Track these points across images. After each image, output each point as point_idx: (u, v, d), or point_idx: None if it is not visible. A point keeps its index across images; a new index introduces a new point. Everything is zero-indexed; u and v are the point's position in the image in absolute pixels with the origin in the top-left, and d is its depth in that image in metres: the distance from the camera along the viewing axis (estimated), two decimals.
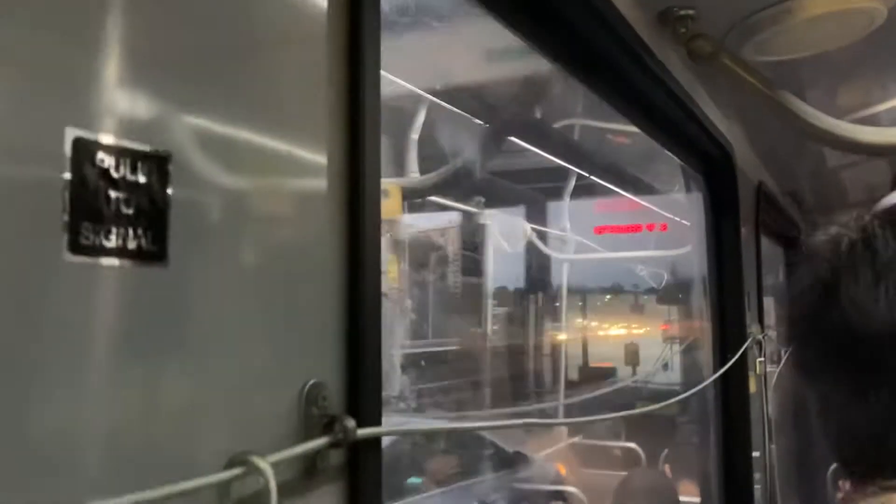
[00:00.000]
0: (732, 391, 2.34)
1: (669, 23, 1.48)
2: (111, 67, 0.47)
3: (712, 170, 2.27)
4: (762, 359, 2.58)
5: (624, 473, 3.97)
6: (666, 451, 5.05)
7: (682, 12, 1.46)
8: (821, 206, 4.11)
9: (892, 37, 1.68)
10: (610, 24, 1.28)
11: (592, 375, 9.62)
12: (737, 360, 2.19)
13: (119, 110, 0.47)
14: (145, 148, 0.48)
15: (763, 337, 2.58)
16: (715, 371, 2.27)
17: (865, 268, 0.64)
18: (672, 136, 1.99)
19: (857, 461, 0.67)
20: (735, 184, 2.29)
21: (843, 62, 1.88)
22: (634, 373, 8.93)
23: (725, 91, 1.90)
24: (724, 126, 2.16)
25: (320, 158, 0.64)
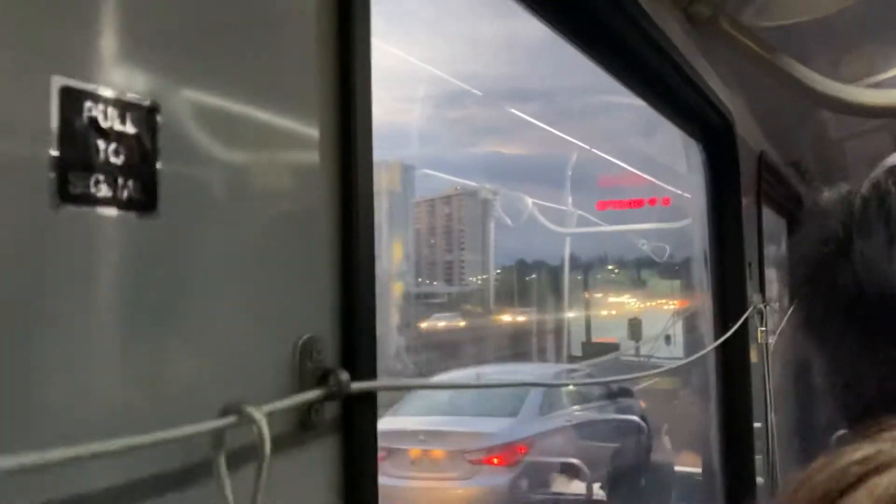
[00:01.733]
0: (733, 361, 2.35)
1: None
2: (100, 18, 0.47)
3: (713, 139, 2.25)
4: (764, 329, 2.58)
5: None
6: (666, 424, 5.08)
7: None
8: (823, 176, 4.09)
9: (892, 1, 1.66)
10: None
11: (595, 350, 9.66)
12: (738, 330, 2.19)
13: (108, 62, 0.47)
14: (133, 99, 0.48)
15: (765, 307, 2.58)
16: (715, 340, 2.27)
17: (879, 225, 0.64)
18: (672, 105, 1.98)
19: (864, 416, 0.67)
20: (736, 153, 2.28)
21: (845, 29, 1.86)
22: (638, 347, 8.96)
23: (726, 59, 1.89)
24: (725, 95, 2.15)
25: (312, 128, 0.64)
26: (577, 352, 9.23)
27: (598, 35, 1.45)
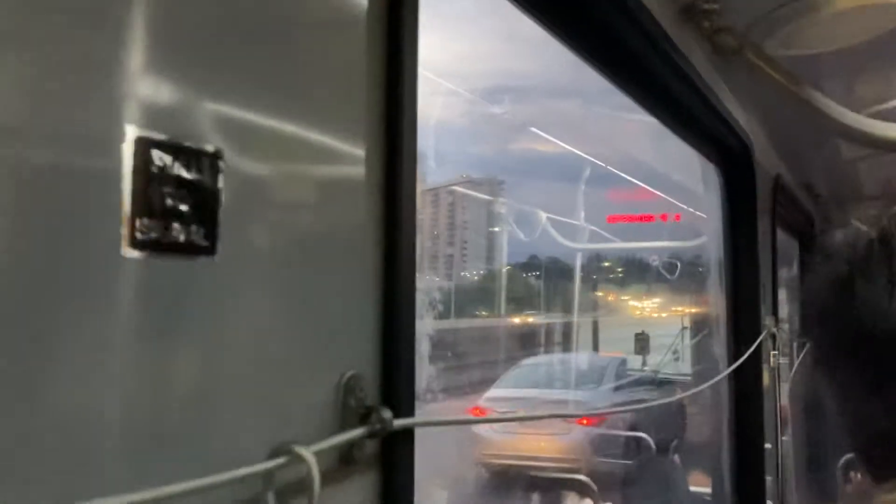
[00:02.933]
0: (746, 383, 2.35)
1: (694, 17, 1.48)
2: (163, 65, 0.48)
3: (731, 162, 2.26)
4: (776, 352, 2.58)
5: None
6: (675, 441, 5.08)
7: (707, 6, 1.46)
8: (836, 198, 4.09)
9: None
10: (635, 16, 1.28)
11: None
12: (751, 353, 2.20)
13: (173, 108, 0.49)
14: (199, 146, 0.49)
15: (777, 330, 2.58)
16: (729, 363, 2.27)
17: (882, 268, 0.65)
18: (692, 129, 1.99)
19: (874, 452, 0.69)
20: (753, 176, 2.28)
21: (862, 56, 1.87)
22: (644, 363, 8.94)
23: (746, 84, 1.90)
24: (744, 119, 2.15)
25: (358, 147, 0.65)
26: (584, 367, 9.22)
27: (622, 61, 1.46)
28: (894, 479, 0.66)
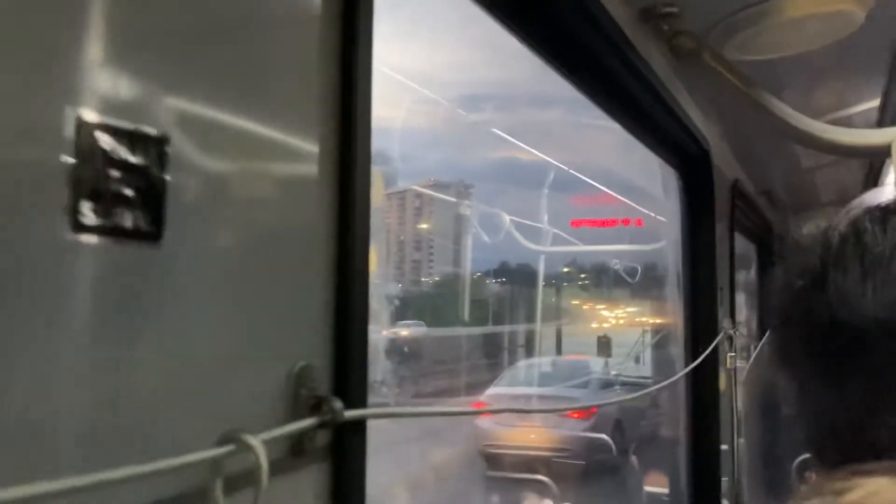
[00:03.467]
0: (703, 385, 2.38)
1: (652, 19, 1.50)
2: (111, 50, 0.48)
3: (690, 166, 2.30)
4: (733, 353, 2.62)
5: None
6: (634, 443, 5.13)
7: (666, 9, 1.48)
8: (794, 205, 4.17)
9: (867, 40, 1.71)
10: (594, 18, 1.29)
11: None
12: (708, 355, 2.23)
13: (117, 92, 0.48)
14: (144, 130, 0.48)
15: (734, 332, 2.62)
16: (686, 365, 2.30)
17: (855, 262, 0.66)
18: (651, 132, 2.01)
19: (832, 449, 0.69)
20: (712, 181, 2.32)
21: (820, 63, 1.91)
22: (606, 365, 9.03)
23: (705, 90, 1.93)
24: (703, 124, 2.19)
25: (311, 144, 0.64)
26: (548, 369, 9.28)
27: (582, 63, 1.48)
28: (852, 466, 0.66)
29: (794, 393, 0.73)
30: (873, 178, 3.42)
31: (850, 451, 0.66)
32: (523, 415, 7.07)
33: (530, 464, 6.16)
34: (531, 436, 6.96)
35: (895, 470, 0.63)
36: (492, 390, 8.01)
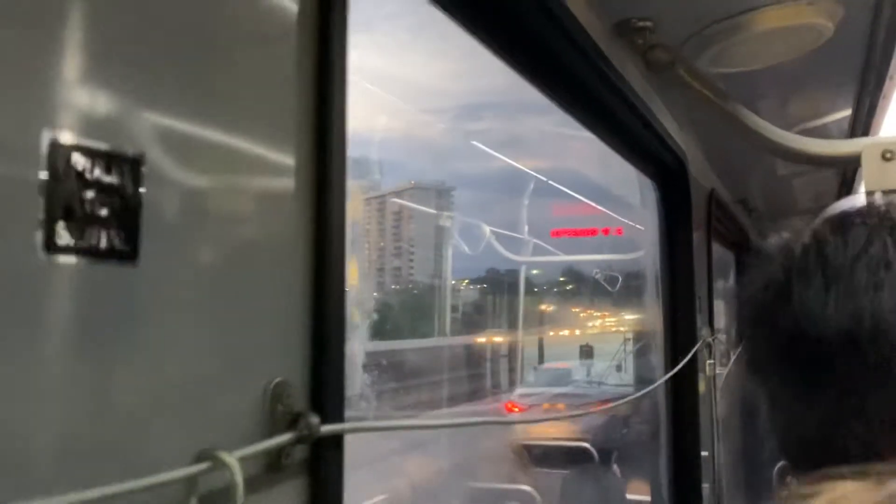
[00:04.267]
0: (682, 393, 2.40)
1: (627, 33, 1.52)
2: (83, 70, 0.48)
3: (666, 177, 2.32)
4: (712, 361, 2.65)
5: None
6: (616, 452, 5.15)
7: (640, 23, 1.50)
8: (771, 213, 4.21)
9: (838, 51, 1.74)
10: (568, 32, 1.31)
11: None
12: (687, 363, 2.25)
13: (92, 112, 0.48)
14: (119, 150, 0.49)
15: (713, 340, 2.64)
16: (666, 373, 2.32)
17: (817, 273, 0.67)
18: (627, 144, 2.03)
19: (803, 456, 0.70)
20: (688, 191, 2.34)
21: (792, 74, 1.94)
22: (589, 373, 9.07)
23: (681, 101, 1.95)
24: (679, 135, 2.21)
25: (288, 158, 0.65)
26: (531, 377, 9.31)
27: (558, 76, 1.49)
28: (818, 475, 0.67)
29: (766, 402, 0.74)
30: (847, 186, 3.47)
31: (820, 458, 0.67)
32: (550, 411, 8.45)
33: (554, 452, 6.45)
34: (551, 429, 7.48)
35: (863, 473, 0.64)
36: (520, 389, 9.21)
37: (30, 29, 0.45)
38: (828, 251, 0.68)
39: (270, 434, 0.59)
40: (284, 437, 0.59)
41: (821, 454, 0.67)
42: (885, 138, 1.63)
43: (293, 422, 0.60)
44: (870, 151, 1.43)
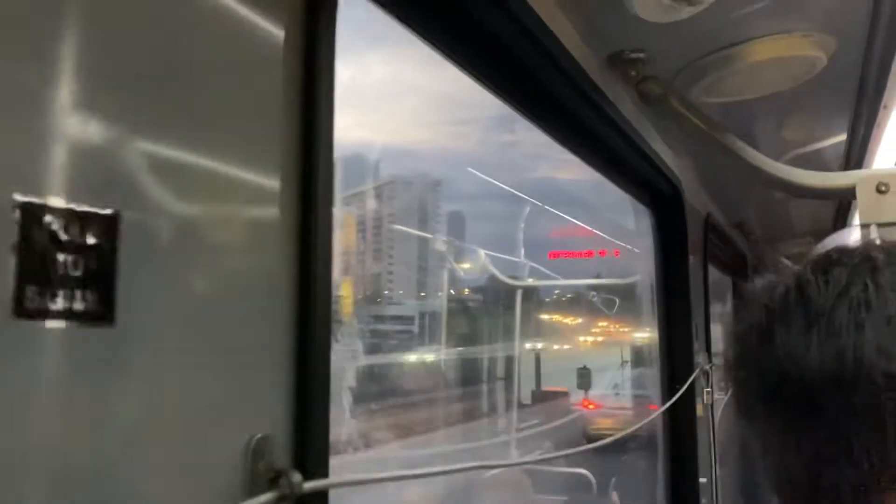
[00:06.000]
0: (680, 420, 2.38)
1: (620, 65, 1.52)
2: (58, 131, 0.47)
3: (661, 203, 2.31)
4: (709, 389, 2.63)
5: None
6: (614, 478, 5.11)
7: (633, 55, 1.50)
8: (768, 236, 4.21)
9: (832, 81, 1.74)
10: (560, 64, 1.31)
11: (545, 398, 9.70)
12: (684, 391, 2.23)
13: (67, 170, 0.47)
14: (94, 210, 0.48)
15: (710, 367, 2.63)
16: (663, 402, 2.30)
17: (798, 314, 0.66)
18: (622, 173, 2.03)
19: (795, 499, 0.69)
20: (683, 217, 2.34)
21: (787, 103, 1.94)
22: (586, 396, 9.04)
23: (675, 129, 1.95)
24: (673, 162, 2.21)
25: (272, 188, 0.64)
26: (528, 400, 9.25)
27: (552, 109, 1.49)
28: None
29: (756, 444, 0.73)
30: (843, 212, 3.47)
31: (812, 500, 0.66)
32: (614, 403, 9.29)
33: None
34: (609, 420, 8.57)
35: None
36: (593, 391, 10.03)
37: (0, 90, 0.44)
38: (809, 292, 0.67)
39: (251, 493, 0.58)
40: (265, 497, 0.57)
41: (812, 497, 0.66)
42: (880, 171, 1.63)
43: (275, 480, 0.59)
44: (864, 184, 1.42)
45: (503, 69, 1.28)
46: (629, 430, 2.21)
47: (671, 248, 2.39)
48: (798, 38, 1.49)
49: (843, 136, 2.40)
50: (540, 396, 9.80)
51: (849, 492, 0.64)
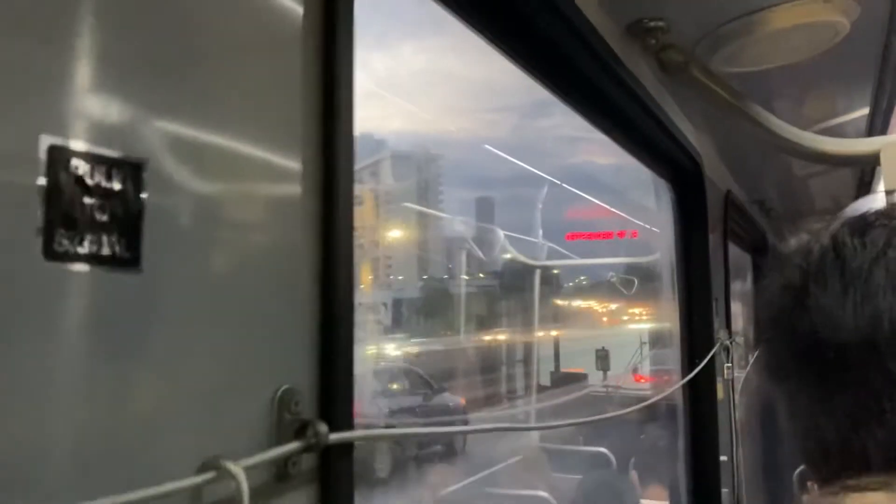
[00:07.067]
0: (700, 396, 2.38)
1: (639, 34, 1.51)
2: (85, 75, 0.47)
3: (681, 179, 2.30)
4: (730, 364, 2.62)
5: None
6: (633, 458, 5.11)
7: (652, 24, 1.49)
8: (788, 213, 4.17)
9: (855, 49, 1.72)
10: (580, 33, 1.30)
11: (564, 380, 9.71)
12: (704, 366, 2.22)
13: (93, 117, 0.48)
14: (120, 155, 0.48)
15: (731, 342, 2.62)
16: (683, 377, 2.30)
17: (834, 276, 0.65)
18: (642, 146, 2.02)
19: (824, 462, 0.68)
20: (704, 193, 2.32)
21: (809, 73, 1.92)
22: (605, 378, 9.03)
23: (695, 102, 1.93)
24: (694, 136, 2.19)
25: (294, 163, 0.64)
26: (546, 381, 9.27)
27: (571, 78, 1.48)
28: (843, 481, 0.65)
29: (785, 407, 0.73)
30: (865, 187, 3.43)
31: (841, 464, 0.66)
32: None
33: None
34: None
35: (889, 485, 0.62)
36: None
37: (31, 33, 0.44)
38: (846, 253, 0.66)
39: (278, 443, 0.58)
40: (292, 446, 0.58)
41: (841, 461, 0.66)
42: None
43: (301, 430, 0.59)
44: (889, 150, 1.40)
45: (522, 38, 1.28)
46: (653, 399, 2.20)
47: (691, 223, 2.38)
48: (821, 4, 1.47)
49: (865, 110, 2.37)
50: (559, 379, 9.81)
51: (879, 455, 0.63)
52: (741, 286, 3.74)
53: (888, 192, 1.40)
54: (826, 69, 1.90)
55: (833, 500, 0.64)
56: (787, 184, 3.53)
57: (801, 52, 1.69)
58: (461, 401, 9.31)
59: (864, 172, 3.16)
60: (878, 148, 1.43)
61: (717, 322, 2.50)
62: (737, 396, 2.80)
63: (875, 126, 2.42)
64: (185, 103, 0.55)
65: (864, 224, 0.68)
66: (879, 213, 0.70)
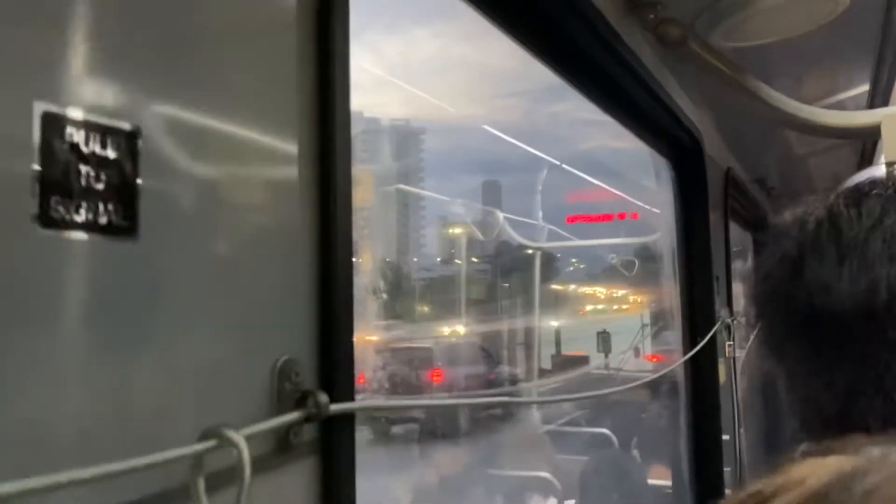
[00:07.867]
0: (702, 375, 2.38)
1: (637, 8, 1.50)
2: (81, 44, 0.47)
3: (681, 156, 2.29)
4: (731, 343, 2.62)
5: None
6: (635, 438, 5.13)
7: None
8: (788, 192, 4.17)
9: (854, 23, 1.71)
10: (578, 8, 1.29)
11: (566, 363, 9.73)
12: (706, 345, 2.22)
13: (89, 86, 0.47)
14: (114, 123, 0.48)
15: (732, 321, 2.62)
16: (684, 355, 2.30)
17: (830, 246, 0.65)
18: (641, 123, 2.01)
19: (823, 433, 0.68)
20: (704, 170, 2.31)
21: (808, 48, 1.91)
22: (607, 360, 9.05)
23: (695, 79, 1.92)
24: (694, 114, 2.18)
25: (291, 138, 0.64)
26: (547, 365, 9.29)
27: (569, 55, 1.47)
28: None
29: (783, 380, 0.73)
30: (867, 163, 3.42)
31: (841, 434, 0.66)
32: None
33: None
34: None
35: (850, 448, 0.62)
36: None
37: (27, 5, 0.44)
38: (841, 223, 0.66)
39: (278, 413, 0.58)
40: (292, 416, 0.58)
41: (841, 430, 0.66)
42: None
43: (301, 400, 0.59)
44: (889, 121, 1.40)
45: (520, 12, 1.27)
46: (654, 375, 2.20)
47: (692, 201, 2.37)
48: None
49: (864, 87, 2.36)
50: (560, 363, 9.83)
51: (879, 424, 0.63)
52: (742, 265, 3.75)
53: (888, 164, 1.39)
54: (826, 44, 1.89)
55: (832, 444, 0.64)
56: (788, 162, 3.52)
57: (800, 25, 1.68)
58: (517, 371, 9.47)
59: (864, 149, 3.15)
60: (879, 119, 1.42)
61: (719, 300, 2.50)
62: (738, 375, 2.81)
63: (875, 102, 2.41)
64: (180, 79, 0.54)
65: (859, 194, 0.68)
66: (874, 183, 0.70)
